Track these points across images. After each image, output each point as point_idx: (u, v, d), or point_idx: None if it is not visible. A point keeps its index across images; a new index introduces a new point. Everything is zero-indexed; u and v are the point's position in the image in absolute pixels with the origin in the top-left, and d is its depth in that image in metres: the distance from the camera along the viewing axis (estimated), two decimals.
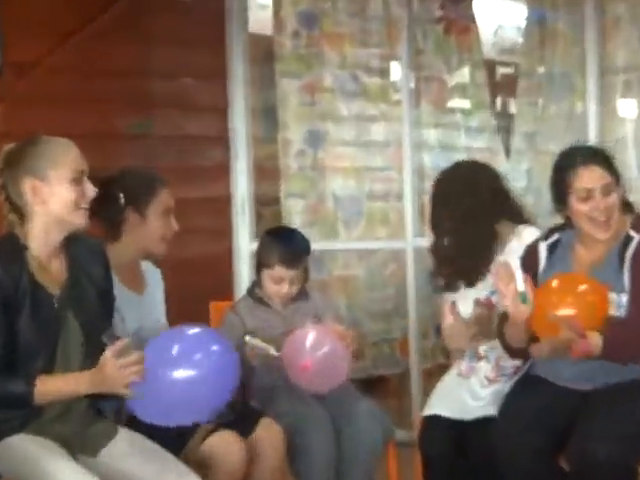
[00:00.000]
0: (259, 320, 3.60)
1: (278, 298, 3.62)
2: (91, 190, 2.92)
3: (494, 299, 3.47)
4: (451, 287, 3.64)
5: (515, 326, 3.24)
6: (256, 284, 3.70)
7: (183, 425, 2.93)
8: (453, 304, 3.57)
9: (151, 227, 3.41)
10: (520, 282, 3.14)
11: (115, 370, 2.76)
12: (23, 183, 2.88)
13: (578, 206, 3.28)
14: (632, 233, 3.28)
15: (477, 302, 3.50)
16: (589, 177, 3.26)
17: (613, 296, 3.19)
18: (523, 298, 3.14)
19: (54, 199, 2.88)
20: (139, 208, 3.39)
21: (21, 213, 2.90)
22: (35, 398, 2.80)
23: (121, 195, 3.36)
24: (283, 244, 3.63)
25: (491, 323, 3.45)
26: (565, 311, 3.12)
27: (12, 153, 2.91)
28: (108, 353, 2.77)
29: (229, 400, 2.95)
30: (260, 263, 3.65)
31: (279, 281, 3.60)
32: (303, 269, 3.66)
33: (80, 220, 2.92)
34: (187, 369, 2.80)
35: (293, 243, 3.67)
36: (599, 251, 3.32)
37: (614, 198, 3.27)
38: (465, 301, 3.57)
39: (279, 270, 3.59)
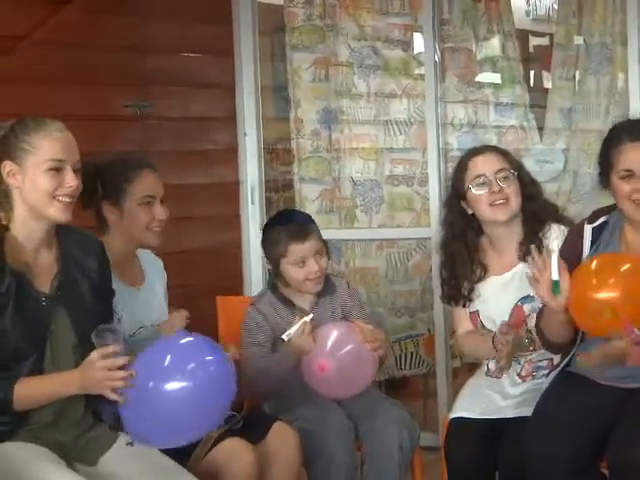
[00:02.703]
0: (285, 322, 3.60)
1: (313, 281, 3.59)
2: (71, 181, 2.90)
3: (526, 307, 3.50)
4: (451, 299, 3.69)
5: (552, 317, 3.23)
6: (277, 278, 3.68)
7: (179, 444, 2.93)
8: (475, 314, 3.60)
9: (131, 220, 3.40)
10: (555, 270, 3.13)
11: (102, 372, 2.79)
12: (2, 165, 2.89)
13: (619, 186, 3.28)
14: None
15: (505, 326, 3.45)
16: (633, 156, 3.26)
17: None
18: (555, 288, 3.13)
19: (29, 187, 2.88)
20: (115, 201, 3.40)
21: (5, 196, 2.91)
22: (15, 403, 2.82)
23: (99, 187, 3.36)
24: (285, 223, 3.65)
25: (520, 343, 3.47)
26: (607, 294, 3.09)
27: None
28: (95, 354, 2.80)
29: (231, 408, 2.99)
30: (275, 259, 3.62)
31: (303, 262, 3.58)
32: (320, 240, 3.65)
33: (58, 214, 2.90)
34: (179, 383, 2.81)
35: (294, 217, 3.75)
36: None
37: None
38: (488, 311, 3.58)
39: (296, 249, 3.57)
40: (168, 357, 2.85)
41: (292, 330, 3.42)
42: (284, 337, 3.44)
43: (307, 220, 3.72)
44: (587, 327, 3.20)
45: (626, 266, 3.13)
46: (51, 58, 4.35)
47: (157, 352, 2.89)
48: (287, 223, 3.66)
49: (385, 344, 3.51)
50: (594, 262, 3.21)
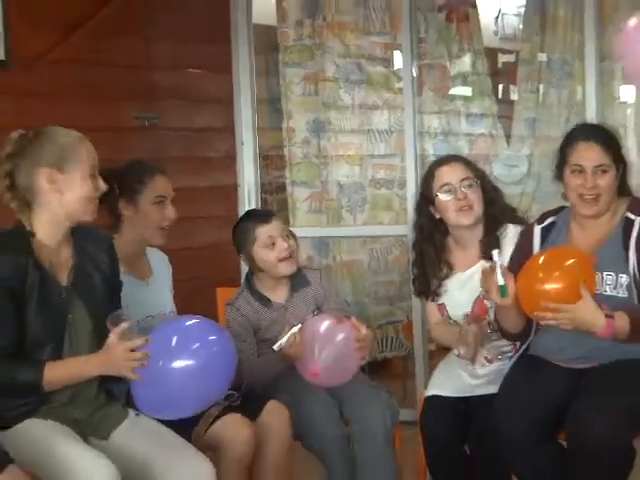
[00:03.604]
0: (263, 320, 3.64)
1: (285, 261, 3.59)
2: (103, 185, 2.98)
3: (487, 300, 3.54)
4: (422, 294, 3.76)
5: (505, 312, 3.34)
6: (253, 275, 3.70)
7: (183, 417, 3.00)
8: (442, 305, 3.68)
9: (145, 217, 3.47)
10: (500, 276, 3.22)
11: (122, 353, 2.84)
12: (38, 172, 2.89)
13: (570, 179, 3.36)
14: (631, 216, 3.32)
15: (468, 317, 3.54)
16: (584, 153, 3.32)
17: (609, 276, 3.24)
18: (503, 291, 3.23)
19: (71, 192, 2.91)
20: (131, 199, 3.47)
21: (27, 201, 2.92)
22: (44, 385, 2.87)
23: (115, 187, 3.38)
24: (247, 214, 3.78)
25: (483, 334, 3.51)
26: (551, 286, 3.14)
27: (25, 141, 2.91)
28: (113, 336, 2.85)
29: (230, 387, 3.04)
30: (247, 250, 3.64)
31: (273, 243, 3.59)
32: (284, 225, 3.70)
33: (90, 215, 2.98)
34: (184, 360, 2.86)
35: (255, 210, 3.98)
36: (597, 232, 3.36)
37: (607, 179, 3.32)
38: (454, 304, 3.65)
39: (263, 230, 3.61)
40: (175, 338, 2.89)
41: (283, 341, 3.38)
42: (275, 347, 3.39)
43: (269, 210, 3.93)
44: (535, 317, 3.27)
45: (569, 261, 3.19)
46: (66, 75, 4.45)
47: (165, 333, 2.93)
48: (250, 214, 3.77)
49: (372, 343, 3.53)
50: (540, 257, 3.27)
